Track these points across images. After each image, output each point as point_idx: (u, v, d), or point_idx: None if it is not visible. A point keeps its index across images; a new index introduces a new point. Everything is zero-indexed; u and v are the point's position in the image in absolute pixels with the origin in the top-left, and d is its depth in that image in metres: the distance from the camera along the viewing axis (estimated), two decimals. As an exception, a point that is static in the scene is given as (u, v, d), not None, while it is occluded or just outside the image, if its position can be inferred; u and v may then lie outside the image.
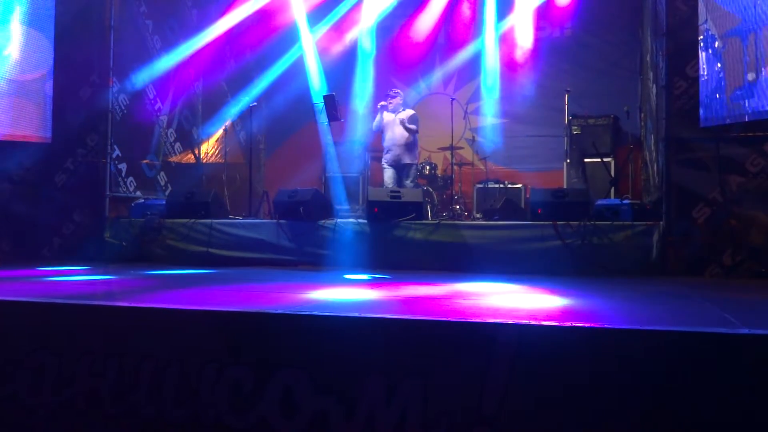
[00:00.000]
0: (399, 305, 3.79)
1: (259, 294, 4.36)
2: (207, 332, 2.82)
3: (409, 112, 8.13)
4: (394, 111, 8.04)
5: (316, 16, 9.35)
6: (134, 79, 7.88)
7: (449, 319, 2.73)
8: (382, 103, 8.05)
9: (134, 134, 7.90)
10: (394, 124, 7.98)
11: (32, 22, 7.16)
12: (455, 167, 8.58)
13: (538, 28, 9.25)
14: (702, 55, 5.80)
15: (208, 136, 9.39)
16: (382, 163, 8.11)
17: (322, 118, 7.94)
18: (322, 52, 9.65)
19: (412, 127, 7.93)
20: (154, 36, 8.26)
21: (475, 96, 9.54)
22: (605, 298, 4.25)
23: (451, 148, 8.37)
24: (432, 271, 5.93)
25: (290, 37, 9.40)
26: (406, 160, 7.95)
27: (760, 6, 5.42)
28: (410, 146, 7.96)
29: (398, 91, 8.29)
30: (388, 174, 7.99)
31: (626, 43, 8.85)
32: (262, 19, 9.13)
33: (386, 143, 8.04)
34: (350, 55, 9.86)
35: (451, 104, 8.37)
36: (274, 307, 3.30)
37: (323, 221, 6.47)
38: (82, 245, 7.11)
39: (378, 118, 8.06)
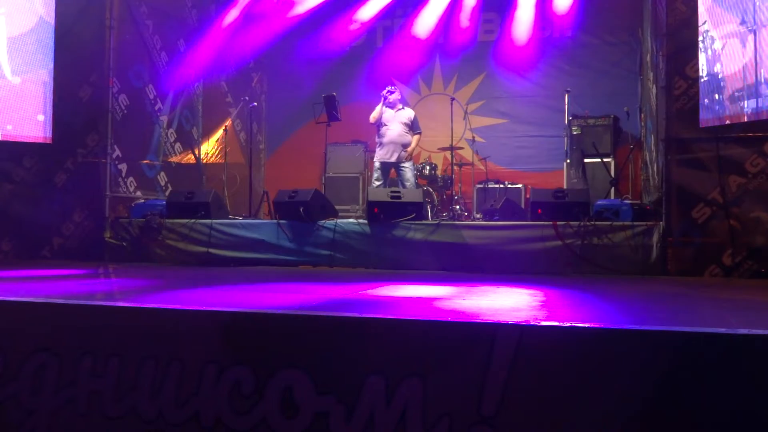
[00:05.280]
0: (399, 305, 3.79)
1: (259, 294, 4.36)
2: (207, 332, 2.82)
3: (410, 112, 8.10)
4: (392, 106, 7.99)
5: (317, 15, 9.34)
6: (134, 79, 7.89)
7: (449, 319, 2.74)
8: (384, 93, 8.00)
9: (134, 134, 7.90)
10: (393, 121, 7.94)
11: (32, 22, 7.17)
12: (455, 167, 8.58)
13: (539, 28, 9.25)
14: (702, 56, 5.80)
15: (208, 136, 9.40)
16: (374, 160, 8.08)
17: (322, 118, 7.93)
18: (324, 51, 9.66)
19: (416, 136, 7.98)
20: (154, 36, 8.26)
21: (476, 96, 9.54)
22: (605, 299, 4.25)
23: (451, 148, 8.37)
24: (432, 271, 5.93)
25: (291, 35, 9.41)
26: (402, 158, 7.93)
27: (759, 6, 5.42)
28: (407, 145, 7.94)
29: (395, 88, 8.26)
30: (376, 176, 7.97)
31: (626, 43, 8.87)
32: (263, 18, 9.13)
33: (383, 139, 7.97)
34: (351, 55, 9.87)
35: (451, 104, 8.37)
36: (274, 307, 3.30)
37: (323, 221, 6.47)
38: (82, 245, 7.12)
39: (378, 108, 7.97)
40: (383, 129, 7.96)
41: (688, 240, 5.65)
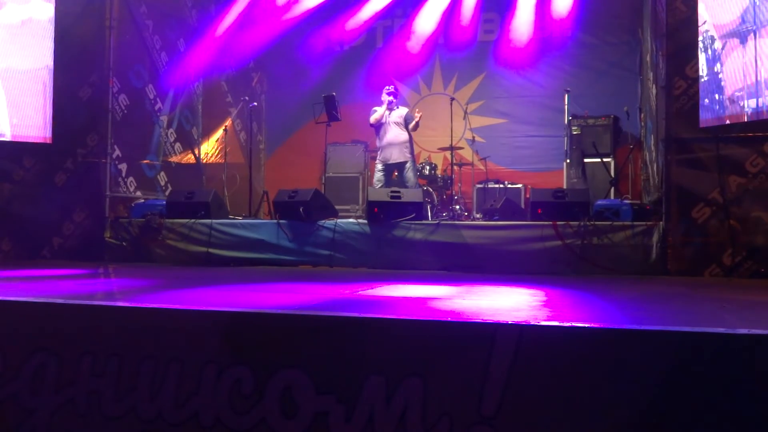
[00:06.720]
0: (399, 305, 3.79)
1: (259, 294, 4.36)
2: (207, 332, 2.82)
3: (402, 110, 8.05)
4: (389, 108, 8.00)
5: (317, 15, 9.34)
6: (134, 79, 7.89)
7: (449, 319, 2.73)
8: (390, 98, 7.93)
9: (134, 134, 7.90)
10: (389, 122, 7.92)
11: (32, 22, 7.17)
12: (455, 167, 8.58)
13: (539, 28, 9.24)
14: (702, 56, 5.80)
15: (208, 136, 9.41)
16: (376, 162, 8.07)
17: (322, 118, 7.92)
18: (324, 51, 9.65)
19: (411, 126, 7.91)
20: (154, 36, 8.27)
21: (475, 96, 9.54)
22: (605, 299, 4.25)
23: (451, 148, 8.37)
24: (432, 271, 5.93)
25: (291, 35, 9.40)
26: (402, 158, 7.88)
27: (760, 6, 5.42)
28: (406, 144, 7.92)
29: (394, 87, 8.21)
30: (378, 177, 7.95)
31: (626, 43, 8.87)
32: (263, 18, 9.13)
33: (382, 141, 7.95)
34: (351, 55, 9.87)
35: (451, 104, 8.37)
36: (274, 307, 3.30)
37: (323, 221, 6.48)
38: (82, 245, 7.12)
39: (381, 112, 7.93)
40: (381, 132, 7.97)
41: (688, 240, 5.65)
